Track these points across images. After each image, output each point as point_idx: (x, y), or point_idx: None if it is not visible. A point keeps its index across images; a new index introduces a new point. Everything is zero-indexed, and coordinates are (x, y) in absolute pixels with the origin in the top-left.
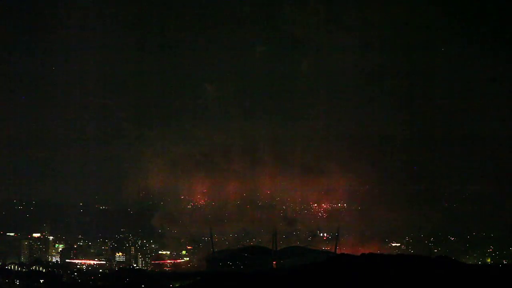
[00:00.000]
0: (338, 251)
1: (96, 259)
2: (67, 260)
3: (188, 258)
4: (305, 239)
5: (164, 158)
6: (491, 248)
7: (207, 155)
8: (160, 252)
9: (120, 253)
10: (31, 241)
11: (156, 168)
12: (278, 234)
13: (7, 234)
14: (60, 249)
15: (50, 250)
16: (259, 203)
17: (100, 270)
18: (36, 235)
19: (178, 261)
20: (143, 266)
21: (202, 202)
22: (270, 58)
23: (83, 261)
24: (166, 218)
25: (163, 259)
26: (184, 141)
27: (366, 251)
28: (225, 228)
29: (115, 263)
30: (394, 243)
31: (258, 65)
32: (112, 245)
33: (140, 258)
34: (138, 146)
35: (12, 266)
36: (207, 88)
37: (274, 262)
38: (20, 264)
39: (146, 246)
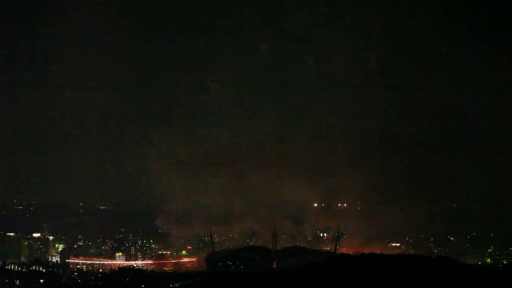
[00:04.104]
0: (338, 251)
1: (96, 259)
2: (67, 260)
3: (188, 259)
4: (306, 239)
5: (168, 158)
6: (491, 248)
7: (211, 154)
8: (160, 252)
9: (120, 253)
10: (31, 241)
11: (160, 168)
12: (281, 234)
13: (7, 234)
14: (60, 249)
15: (50, 250)
16: (262, 202)
17: (100, 270)
18: (36, 235)
19: (182, 260)
20: (143, 266)
21: (206, 202)
22: (274, 57)
23: (83, 260)
24: (170, 218)
25: (166, 259)
26: (188, 141)
27: (366, 251)
28: (229, 228)
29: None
30: (394, 243)
31: (261, 64)
32: (112, 245)
33: (140, 258)
34: (142, 146)
35: (12, 266)
36: (211, 88)
37: (274, 262)
38: (20, 264)
39: (146, 246)
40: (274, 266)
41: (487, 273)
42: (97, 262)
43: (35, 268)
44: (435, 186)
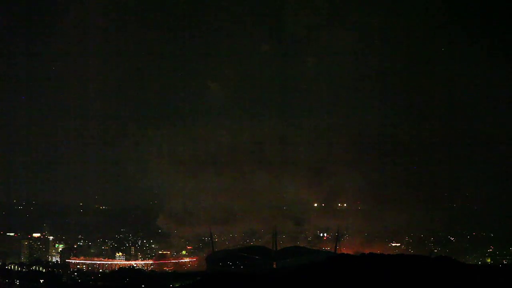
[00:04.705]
0: (338, 251)
1: (96, 259)
2: (67, 260)
3: (188, 259)
4: (307, 239)
5: (168, 158)
6: (491, 248)
7: (211, 154)
8: (160, 252)
9: (120, 253)
10: (31, 241)
11: (160, 168)
12: (282, 234)
13: (7, 234)
14: (60, 249)
15: (50, 250)
16: (262, 202)
17: (100, 270)
18: (36, 235)
19: (182, 260)
20: (143, 266)
21: (206, 202)
22: (274, 57)
23: (83, 260)
24: (171, 218)
25: (166, 259)
26: (188, 141)
27: (366, 251)
28: (229, 228)
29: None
30: (394, 243)
31: (262, 64)
32: (112, 245)
33: (140, 258)
34: (142, 146)
35: (12, 266)
36: (211, 88)
37: (274, 262)
38: (20, 264)
39: (146, 246)
40: (274, 266)
41: (487, 273)
42: (97, 262)
43: (35, 268)
44: (435, 186)
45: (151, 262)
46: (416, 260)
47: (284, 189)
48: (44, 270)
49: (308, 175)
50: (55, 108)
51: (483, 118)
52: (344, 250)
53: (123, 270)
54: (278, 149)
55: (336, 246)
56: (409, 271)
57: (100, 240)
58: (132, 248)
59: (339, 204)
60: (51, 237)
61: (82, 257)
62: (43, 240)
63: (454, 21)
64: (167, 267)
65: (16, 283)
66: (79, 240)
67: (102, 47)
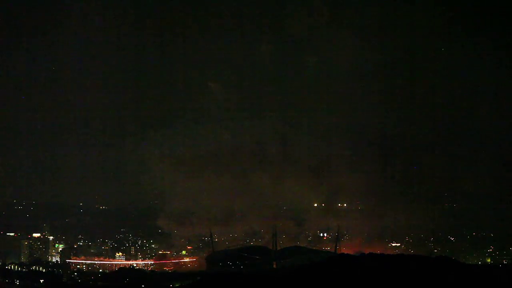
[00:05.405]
0: (338, 251)
1: (96, 259)
2: (67, 260)
3: (188, 259)
4: (307, 239)
5: (169, 158)
6: (491, 248)
7: (212, 154)
8: (160, 251)
9: (120, 253)
10: (31, 241)
11: (161, 168)
12: (282, 234)
13: (7, 234)
14: (60, 249)
15: (50, 250)
16: (262, 202)
17: (100, 270)
18: (36, 235)
19: (182, 260)
20: (144, 266)
21: (207, 202)
22: (274, 57)
23: (83, 260)
24: (171, 218)
25: (167, 259)
26: (189, 141)
27: (366, 251)
28: (230, 228)
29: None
30: (394, 243)
31: (262, 64)
32: (112, 245)
33: (140, 258)
34: (143, 147)
35: (12, 266)
36: (212, 88)
37: (274, 262)
38: (20, 264)
39: (146, 246)
40: (274, 266)
41: (487, 273)
42: (97, 262)
43: (35, 268)
44: (435, 186)
45: (151, 262)
46: (416, 260)
47: (285, 189)
48: (44, 270)
49: (308, 175)
50: (55, 108)
51: (483, 118)
52: (344, 250)
53: (123, 270)
54: (279, 149)
55: (336, 246)
56: (409, 271)
57: (100, 240)
58: (132, 248)
59: (339, 204)
60: (51, 237)
61: (82, 257)
62: (43, 240)
63: (454, 20)
64: (167, 267)
65: (16, 283)
66: (79, 240)
67: (103, 47)
